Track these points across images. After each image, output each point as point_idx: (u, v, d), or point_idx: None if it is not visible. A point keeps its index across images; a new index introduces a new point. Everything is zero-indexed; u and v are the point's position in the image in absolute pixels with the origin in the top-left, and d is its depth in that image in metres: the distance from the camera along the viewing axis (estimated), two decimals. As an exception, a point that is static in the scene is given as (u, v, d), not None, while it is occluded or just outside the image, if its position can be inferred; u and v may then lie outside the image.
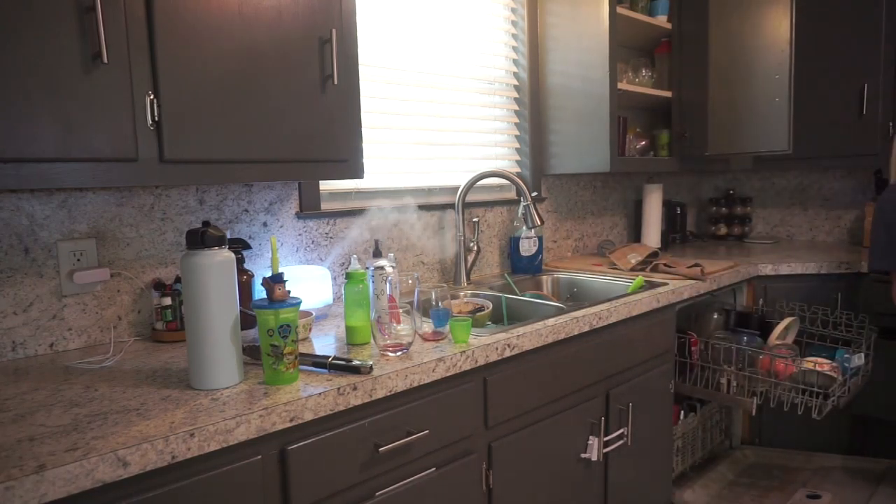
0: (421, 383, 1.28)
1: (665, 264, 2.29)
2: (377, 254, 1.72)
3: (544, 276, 2.34)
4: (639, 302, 1.83)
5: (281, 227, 1.79)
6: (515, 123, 2.52)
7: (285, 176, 1.42)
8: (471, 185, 2.14)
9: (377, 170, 2.04)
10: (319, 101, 1.45)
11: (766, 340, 2.23)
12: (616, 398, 1.81)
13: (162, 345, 1.47)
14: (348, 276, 1.42)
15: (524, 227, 2.30)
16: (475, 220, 2.27)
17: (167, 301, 1.49)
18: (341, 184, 1.95)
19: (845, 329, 2.33)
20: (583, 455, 1.71)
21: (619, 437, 1.81)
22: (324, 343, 1.45)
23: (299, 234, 1.83)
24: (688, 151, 2.74)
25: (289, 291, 1.17)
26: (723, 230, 3.35)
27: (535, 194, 2.51)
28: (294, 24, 1.39)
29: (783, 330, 2.23)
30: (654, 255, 2.39)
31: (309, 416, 1.10)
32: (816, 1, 2.74)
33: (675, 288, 1.99)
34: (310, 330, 1.50)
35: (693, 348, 2.19)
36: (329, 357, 1.22)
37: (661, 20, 2.62)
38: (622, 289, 2.10)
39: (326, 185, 1.91)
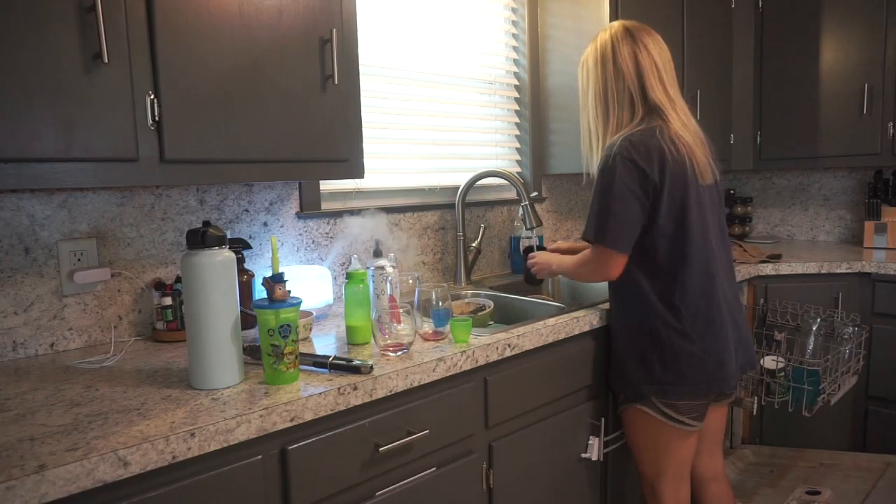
0: (421, 383, 1.28)
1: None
2: (378, 253, 1.72)
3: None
4: (639, 302, 1.83)
5: (281, 226, 1.79)
6: (516, 123, 2.52)
7: (286, 176, 1.42)
8: (470, 185, 2.14)
9: (378, 169, 2.05)
10: (320, 100, 1.45)
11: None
12: (617, 398, 1.81)
13: (162, 344, 1.47)
14: (349, 275, 1.42)
15: (524, 227, 2.30)
16: (482, 225, 2.27)
17: (168, 301, 1.49)
18: (341, 183, 1.95)
19: (843, 328, 2.34)
20: (583, 455, 1.71)
21: (620, 437, 1.81)
22: (324, 343, 1.45)
23: (300, 234, 1.83)
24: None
25: (289, 291, 1.17)
26: (723, 230, 3.35)
27: (535, 194, 2.50)
28: (294, 24, 1.39)
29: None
30: None
31: (309, 416, 1.10)
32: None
33: (676, 288, 1.99)
34: (310, 330, 1.50)
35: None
36: (329, 357, 1.22)
37: (662, 20, 2.62)
38: (622, 288, 2.10)
39: (327, 185, 1.91)
